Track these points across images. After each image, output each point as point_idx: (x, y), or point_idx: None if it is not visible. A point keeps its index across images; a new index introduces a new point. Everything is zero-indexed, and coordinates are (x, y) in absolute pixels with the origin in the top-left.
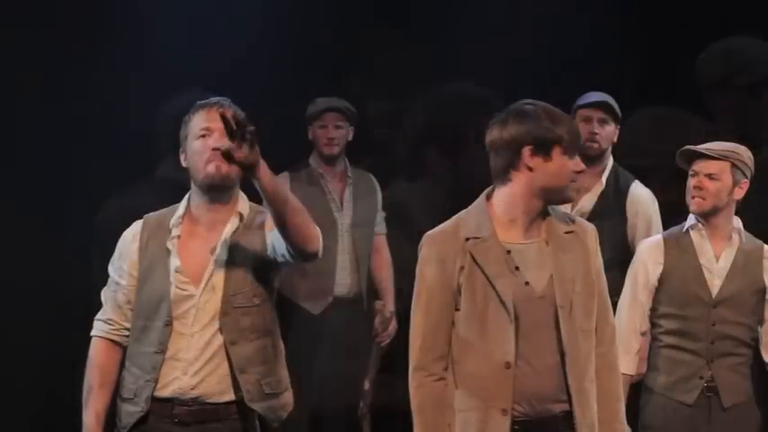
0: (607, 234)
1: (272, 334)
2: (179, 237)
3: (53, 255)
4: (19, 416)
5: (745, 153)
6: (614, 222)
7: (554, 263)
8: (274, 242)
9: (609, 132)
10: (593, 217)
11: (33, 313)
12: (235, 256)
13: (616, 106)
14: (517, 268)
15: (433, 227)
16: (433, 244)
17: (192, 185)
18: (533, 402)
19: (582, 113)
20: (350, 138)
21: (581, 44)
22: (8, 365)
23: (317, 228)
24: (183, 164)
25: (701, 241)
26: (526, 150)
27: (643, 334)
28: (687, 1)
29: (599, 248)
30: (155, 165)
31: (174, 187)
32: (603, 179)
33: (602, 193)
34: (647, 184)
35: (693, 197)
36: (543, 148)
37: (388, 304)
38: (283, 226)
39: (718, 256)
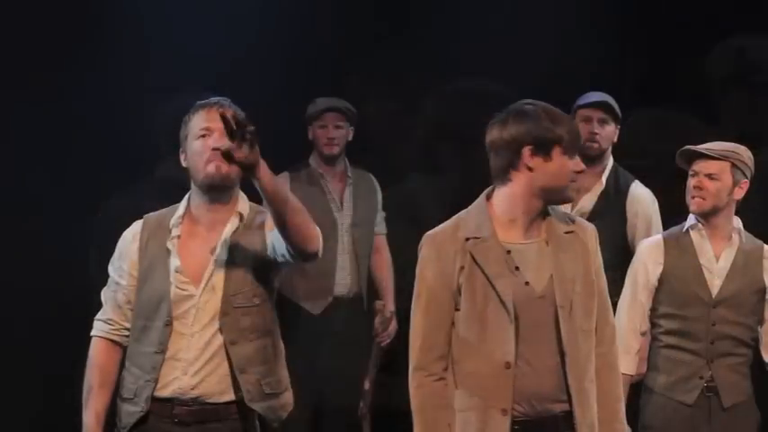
0: (607, 234)
1: (272, 334)
2: (179, 237)
3: (53, 255)
4: (19, 416)
5: (745, 153)
6: (614, 222)
7: (554, 263)
8: (274, 242)
9: (609, 132)
10: (593, 217)
11: (33, 313)
12: (235, 256)
13: (616, 106)
14: (517, 268)
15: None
16: (432, 244)
17: (192, 185)
18: (533, 402)
19: (582, 113)
20: (350, 138)
21: (581, 44)
22: (8, 365)
23: (317, 228)
24: (183, 164)
25: (701, 241)
26: (526, 150)
27: (643, 334)
28: (687, 1)
29: (599, 248)
30: (155, 165)
31: (174, 187)
32: (603, 179)
33: (602, 193)
34: (647, 184)
35: (693, 197)
36: (543, 148)
37: (389, 304)
38: (283, 226)
39: (718, 256)
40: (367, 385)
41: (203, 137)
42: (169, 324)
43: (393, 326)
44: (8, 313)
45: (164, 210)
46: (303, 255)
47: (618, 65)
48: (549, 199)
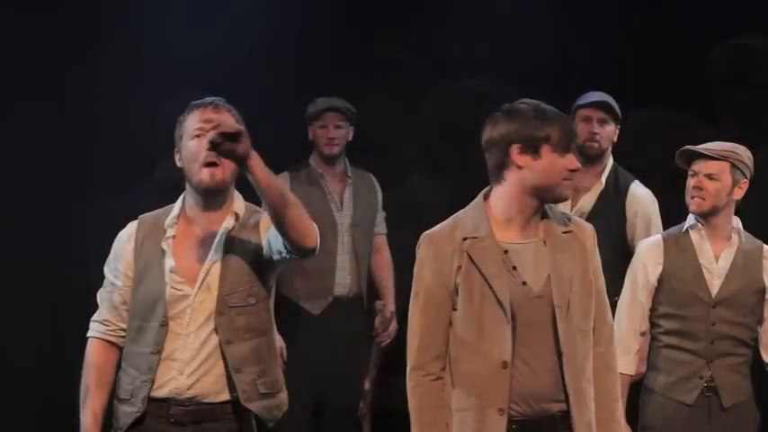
0: (606, 234)
1: (267, 334)
2: (174, 237)
3: (53, 255)
4: (19, 416)
5: (744, 153)
6: (614, 222)
7: (551, 262)
8: (271, 239)
9: (609, 132)
10: (592, 217)
11: (33, 313)
12: (230, 256)
13: (616, 106)
14: (514, 268)
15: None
16: (430, 244)
17: (187, 186)
18: (530, 402)
19: (582, 113)
20: (350, 138)
21: (581, 44)
22: (8, 366)
23: (314, 224)
24: (178, 164)
25: (701, 241)
26: (514, 149)
27: (643, 334)
28: (687, 1)
29: (597, 248)
30: (155, 165)
31: (173, 187)
32: (603, 179)
33: (602, 192)
34: (647, 184)
35: (693, 197)
36: (531, 146)
37: (389, 304)
38: (280, 220)
39: (717, 256)
40: (367, 385)
41: (198, 137)
42: (165, 324)
43: (393, 326)
44: (8, 313)
45: (159, 210)
46: (301, 251)
47: (618, 65)
48: (543, 197)
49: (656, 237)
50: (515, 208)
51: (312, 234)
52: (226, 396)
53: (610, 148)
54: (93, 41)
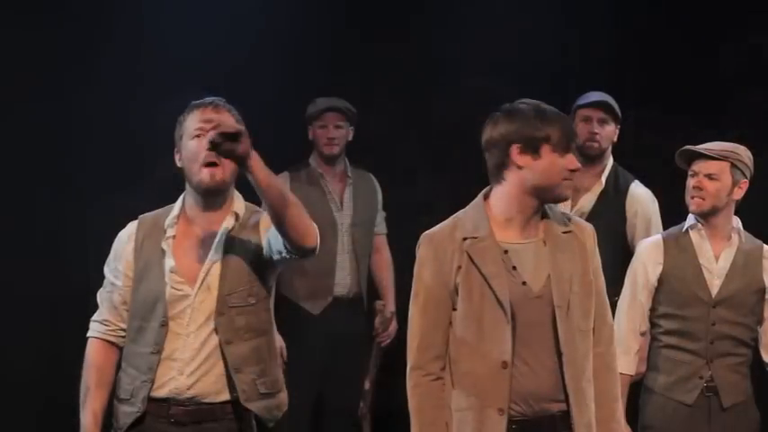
0: (606, 234)
1: (267, 334)
2: (174, 237)
3: (53, 255)
4: (19, 416)
5: (744, 153)
6: (614, 222)
7: (551, 262)
8: (271, 240)
9: (609, 132)
10: (592, 217)
11: (33, 313)
12: (230, 256)
13: (616, 106)
14: (514, 268)
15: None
16: (430, 244)
17: (187, 186)
18: (530, 402)
19: (582, 113)
20: (350, 138)
21: (581, 44)
22: (8, 366)
23: (314, 224)
24: (178, 164)
25: (701, 241)
26: (514, 149)
27: (643, 334)
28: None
29: (597, 248)
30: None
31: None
32: (603, 179)
33: (602, 192)
34: (646, 184)
35: (693, 197)
36: (531, 146)
37: (389, 304)
38: (280, 220)
39: (717, 256)
40: (367, 385)
41: (198, 137)
42: (165, 324)
43: (393, 326)
44: (8, 313)
45: (159, 210)
46: (301, 250)
47: (618, 65)
48: (543, 197)
49: (656, 237)
50: (515, 208)
51: (312, 234)
52: (226, 396)
53: (610, 148)
54: (94, 41)
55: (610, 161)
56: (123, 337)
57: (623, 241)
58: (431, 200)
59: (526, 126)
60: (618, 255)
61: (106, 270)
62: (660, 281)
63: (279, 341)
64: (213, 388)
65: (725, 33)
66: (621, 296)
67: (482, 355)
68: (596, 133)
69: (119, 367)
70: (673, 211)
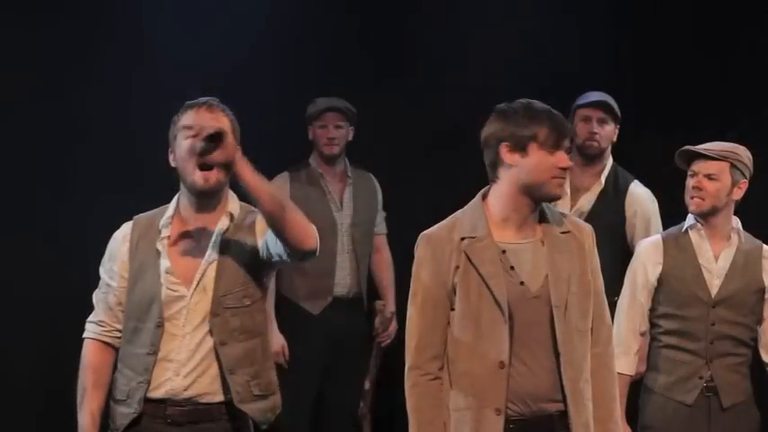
0: (606, 234)
1: (261, 335)
2: (169, 237)
3: (53, 255)
4: (19, 416)
5: (744, 153)
6: (613, 222)
7: (549, 262)
8: (269, 242)
9: (608, 132)
10: (592, 216)
11: (33, 313)
12: (225, 257)
13: (615, 106)
14: (512, 268)
15: None
16: (428, 244)
17: (181, 186)
18: (528, 402)
19: (581, 113)
20: (350, 138)
21: (581, 44)
22: (8, 366)
23: (313, 225)
24: (172, 164)
25: (700, 241)
26: (503, 147)
27: (642, 334)
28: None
29: (596, 248)
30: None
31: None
32: (602, 179)
33: (602, 192)
34: (646, 184)
35: (692, 197)
36: (518, 144)
37: (389, 304)
38: (276, 225)
39: (717, 256)
40: (367, 385)
41: (192, 137)
42: (160, 325)
43: (393, 326)
44: (8, 313)
45: (154, 210)
46: (300, 253)
47: (618, 65)
48: (534, 196)
49: (656, 237)
50: (511, 207)
51: (312, 236)
52: (222, 397)
53: (609, 148)
54: (93, 42)
55: (609, 161)
56: (119, 337)
57: (623, 241)
58: (431, 200)
59: (514, 125)
60: (617, 255)
61: (101, 271)
62: (660, 281)
63: (280, 340)
64: (209, 389)
65: (725, 33)
66: (621, 296)
67: (480, 355)
68: (596, 133)
69: (115, 368)
70: (672, 211)
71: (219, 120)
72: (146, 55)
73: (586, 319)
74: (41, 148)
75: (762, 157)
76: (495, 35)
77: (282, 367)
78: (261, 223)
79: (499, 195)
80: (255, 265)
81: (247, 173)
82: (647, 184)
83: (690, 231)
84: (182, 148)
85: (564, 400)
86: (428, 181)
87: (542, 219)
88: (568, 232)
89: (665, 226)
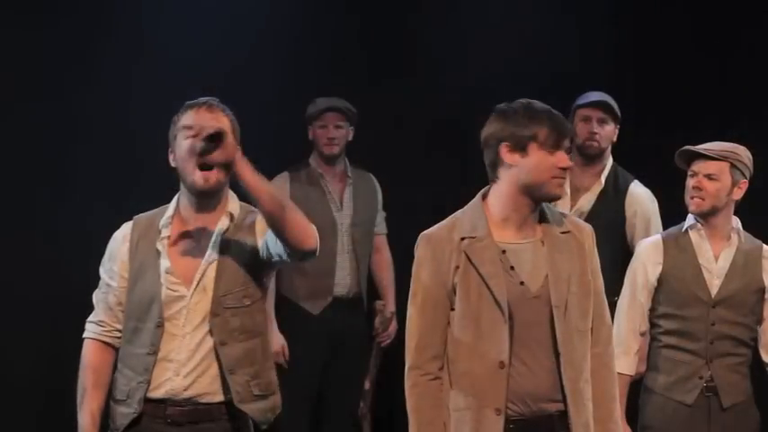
0: (606, 234)
1: (261, 335)
2: (169, 237)
3: (53, 254)
4: (19, 416)
5: (744, 153)
6: (613, 222)
7: (549, 263)
8: (269, 242)
9: (608, 132)
10: (592, 216)
11: (33, 313)
12: (225, 257)
13: (615, 106)
14: (512, 268)
15: None
16: (428, 244)
17: (181, 186)
18: (528, 402)
19: (581, 113)
20: (350, 138)
21: (581, 44)
22: (8, 366)
23: (313, 225)
24: (172, 164)
25: (700, 241)
26: (503, 147)
27: (642, 334)
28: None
29: (596, 249)
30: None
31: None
32: (602, 179)
33: (602, 192)
34: (646, 184)
35: (692, 197)
36: (518, 144)
37: (389, 304)
38: (276, 225)
39: (717, 256)
40: (367, 385)
41: (192, 137)
42: (160, 325)
43: (393, 326)
44: (8, 313)
45: (154, 210)
46: (300, 253)
47: (618, 65)
48: (534, 195)
49: (656, 237)
50: (511, 207)
51: (312, 236)
52: (222, 397)
53: (609, 148)
54: (93, 42)
55: (609, 161)
56: (119, 337)
57: (623, 241)
58: (431, 200)
59: (513, 125)
60: (617, 255)
61: (101, 271)
62: (660, 281)
63: (280, 340)
64: (209, 389)
65: (725, 33)
66: (621, 296)
67: (480, 355)
68: (596, 133)
69: (115, 368)
70: (672, 211)
71: (219, 120)
72: (146, 55)
73: (586, 319)
74: (41, 148)
75: (762, 157)
76: (495, 35)
77: (282, 367)
78: (261, 223)
79: (499, 195)
80: (255, 265)
81: (247, 173)
82: (647, 184)
83: (690, 231)
84: (182, 148)
85: (564, 400)
86: (428, 181)
87: (542, 219)
88: (568, 232)
89: (665, 226)
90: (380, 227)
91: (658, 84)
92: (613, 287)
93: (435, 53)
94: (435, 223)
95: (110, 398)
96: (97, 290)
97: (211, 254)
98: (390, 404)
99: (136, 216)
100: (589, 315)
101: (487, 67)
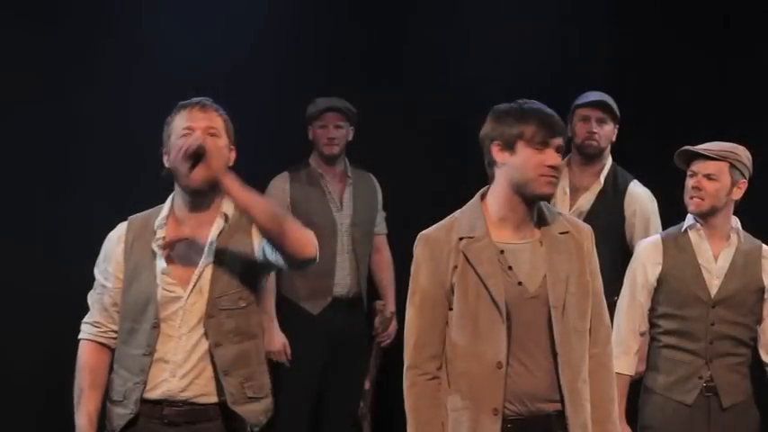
0: (605, 233)
1: (256, 338)
2: (164, 238)
3: (52, 254)
4: (19, 416)
5: (743, 153)
6: (612, 222)
7: (548, 263)
8: (266, 249)
9: (607, 132)
10: (591, 216)
11: (33, 313)
12: (221, 258)
13: (615, 106)
14: (510, 268)
15: None
16: (426, 244)
17: (176, 186)
18: (526, 402)
19: (580, 113)
20: (350, 138)
21: (581, 44)
22: (8, 366)
23: (311, 232)
24: (166, 164)
25: (700, 241)
26: (494, 147)
27: (642, 334)
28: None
29: (594, 249)
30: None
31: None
32: (602, 178)
33: (601, 192)
34: (646, 184)
35: (692, 197)
36: (507, 143)
37: (389, 304)
38: (273, 240)
39: (716, 256)
40: (367, 385)
41: (186, 137)
42: (156, 326)
43: (393, 326)
44: (8, 313)
45: (148, 210)
46: (298, 263)
47: (618, 65)
48: (524, 194)
49: (655, 237)
50: (507, 207)
51: (310, 244)
52: (218, 398)
53: (609, 148)
54: (93, 42)
55: (609, 161)
56: (115, 338)
57: (622, 241)
58: (431, 200)
59: (502, 124)
60: (616, 254)
61: (96, 272)
62: (659, 281)
63: (282, 339)
64: (205, 390)
65: (725, 33)
66: (621, 296)
67: (477, 355)
68: (595, 132)
69: (111, 369)
70: (672, 212)
71: (213, 120)
72: (145, 55)
73: (584, 319)
74: (41, 148)
75: (762, 157)
76: (495, 35)
77: (283, 366)
78: None
79: (496, 195)
80: (252, 267)
81: (234, 189)
82: (646, 184)
83: (689, 231)
84: (176, 148)
85: (561, 401)
86: (428, 181)
87: (541, 219)
88: (567, 233)
89: (665, 226)
90: (380, 227)
91: (658, 84)
92: (612, 287)
93: (435, 53)
94: (435, 223)
95: (106, 399)
96: (92, 291)
97: (208, 255)
98: (390, 404)
99: (131, 216)
100: (587, 315)
101: (487, 67)
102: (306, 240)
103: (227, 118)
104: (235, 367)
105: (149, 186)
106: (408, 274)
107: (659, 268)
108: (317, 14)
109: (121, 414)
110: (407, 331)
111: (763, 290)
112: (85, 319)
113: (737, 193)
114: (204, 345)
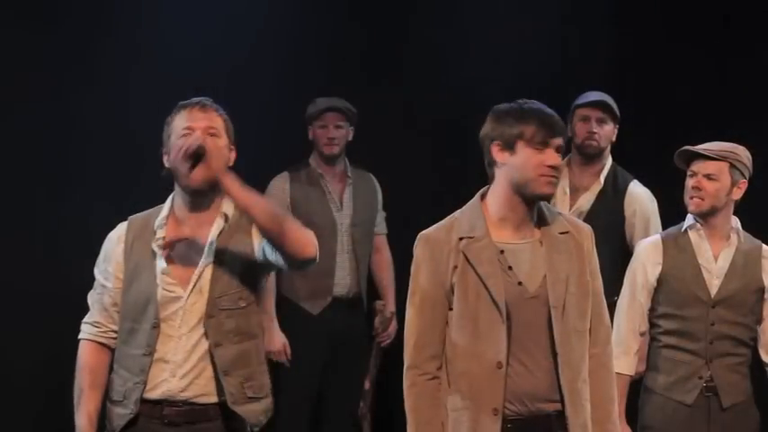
0: (605, 233)
1: (256, 338)
2: (164, 238)
3: (52, 254)
4: (19, 416)
5: (743, 153)
6: (612, 222)
7: (548, 263)
8: (267, 250)
9: (607, 132)
10: (591, 216)
11: (32, 313)
12: (222, 259)
13: (615, 106)
14: (510, 268)
15: None
16: (426, 244)
17: (176, 186)
18: (526, 402)
19: (580, 113)
20: (350, 138)
21: (581, 44)
22: (8, 366)
23: (311, 232)
24: (166, 164)
25: (700, 241)
26: (494, 147)
27: (642, 334)
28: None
29: (594, 249)
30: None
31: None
32: (602, 178)
33: (601, 192)
34: (646, 184)
35: (692, 197)
36: (507, 143)
37: (389, 304)
38: (273, 240)
39: (716, 256)
40: (367, 385)
41: (186, 137)
42: (156, 326)
43: (393, 326)
44: (8, 313)
45: (148, 210)
46: (298, 263)
47: (618, 65)
48: (523, 194)
49: (655, 237)
50: (507, 207)
51: (310, 244)
52: (218, 397)
53: (609, 148)
54: (93, 42)
55: (609, 161)
56: (115, 338)
57: (622, 241)
58: (431, 200)
59: (502, 124)
60: (616, 254)
61: (96, 272)
62: (659, 281)
63: (282, 338)
64: (205, 390)
65: (725, 33)
66: (621, 296)
67: (477, 355)
68: (595, 132)
69: (111, 369)
70: (672, 212)
71: (213, 120)
72: (145, 55)
73: (584, 319)
74: (41, 148)
75: (762, 157)
76: (495, 35)
77: (283, 366)
78: None
79: (496, 195)
80: (252, 267)
81: (235, 189)
82: (646, 184)
83: (689, 231)
84: (176, 148)
85: (562, 401)
86: (428, 181)
87: (541, 219)
88: (567, 233)
89: (665, 226)
90: (380, 227)
91: (658, 84)
92: (612, 287)
93: (435, 53)
94: (435, 223)
95: (106, 399)
96: (92, 291)
97: (209, 255)
98: (390, 404)
99: (131, 216)
100: (587, 315)
101: (487, 67)
102: (306, 240)
103: (227, 118)
104: (235, 367)
105: (149, 186)
106: (408, 274)
107: (659, 268)
108: (317, 14)
109: (121, 414)
110: (407, 331)
111: (763, 290)
112: (85, 319)
113: (737, 193)
114: (204, 345)
